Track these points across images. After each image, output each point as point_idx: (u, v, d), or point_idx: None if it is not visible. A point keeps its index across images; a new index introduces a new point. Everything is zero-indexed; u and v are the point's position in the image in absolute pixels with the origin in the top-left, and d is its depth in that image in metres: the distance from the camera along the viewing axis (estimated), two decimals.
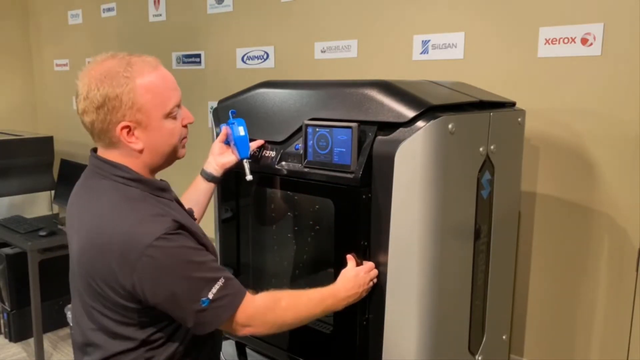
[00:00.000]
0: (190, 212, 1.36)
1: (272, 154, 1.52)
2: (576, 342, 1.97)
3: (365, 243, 1.35)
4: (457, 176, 1.37)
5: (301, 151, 1.45)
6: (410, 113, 1.26)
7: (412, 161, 1.27)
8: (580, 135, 1.90)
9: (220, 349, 1.40)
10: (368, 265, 1.35)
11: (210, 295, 1.12)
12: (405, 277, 1.32)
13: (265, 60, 2.87)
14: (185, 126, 1.25)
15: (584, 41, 1.87)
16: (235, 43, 3.01)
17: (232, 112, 1.58)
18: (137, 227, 1.10)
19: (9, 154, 3.61)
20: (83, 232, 1.17)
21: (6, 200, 3.60)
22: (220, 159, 1.54)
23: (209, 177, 1.54)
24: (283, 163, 1.49)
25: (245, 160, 1.51)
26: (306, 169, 1.43)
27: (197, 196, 1.53)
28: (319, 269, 2.02)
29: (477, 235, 1.47)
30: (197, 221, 1.48)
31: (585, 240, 1.92)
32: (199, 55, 3.23)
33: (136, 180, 1.18)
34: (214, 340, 1.34)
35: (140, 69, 1.14)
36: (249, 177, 1.49)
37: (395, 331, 1.35)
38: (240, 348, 1.79)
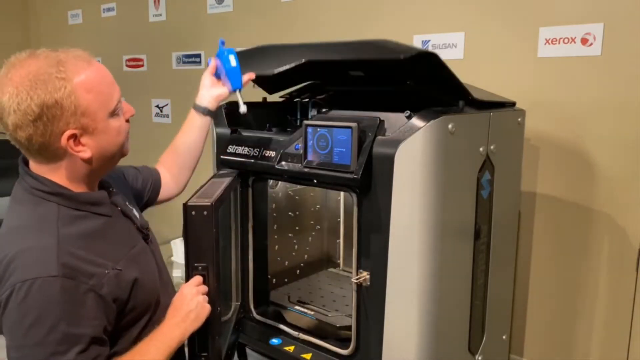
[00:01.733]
0: (142, 226, 1.22)
1: (272, 154, 1.52)
2: (576, 342, 1.97)
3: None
4: (457, 176, 1.37)
5: (301, 151, 1.45)
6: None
7: (412, 161, 1.26)
8: (580, 135, 1.90)
9: None
10: (194, 280, 1.19)
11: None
12: (405, 277, 1.31)
13: None
14: (127, 120, 1.13)
15: (584, 41, 1.87)
16: (235, 43, 2.98)
17: (221, 42, 1.51)
18: (16, 259, 0.96)
19: (9, 154, 3.59)
20: None
21: (6, 200, 3.58)
22: (213, 91, 1.46)
23: (205, 111, 1.46)
24: (283, 163, 1.49)
25: (238, 92, 1.46)
26: (306, 169, 1.43)
27: (194, 133, 1.47)
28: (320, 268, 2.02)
29: (477, 235, 1.46)
30: (195, 162, 1.46)
31: (585, 240, 1.92)
32: (199, 55, 3.23)
33: (56, 194, 1.03)
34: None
35: (75, 67, 1.00)
36: (242, 109, 1.43)
37: (395, 331, 1.34)
38: (241, 348, 1.79)
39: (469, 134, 1.39)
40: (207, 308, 1.17)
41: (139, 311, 1.10)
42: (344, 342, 1.47)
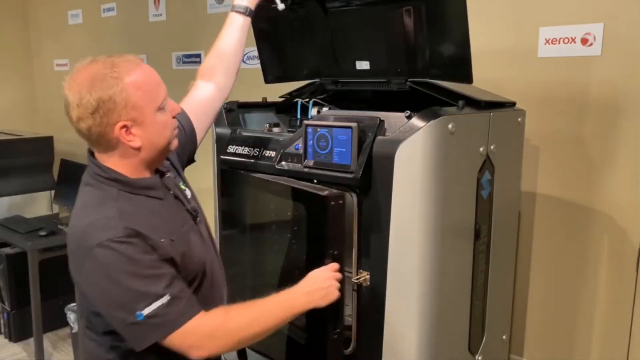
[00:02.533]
0: (192, 208, 1.32)
1: (272, 154, 1.52)
2: (576, 342, 1.97)
3: (336, 252, 1.34)
4: (457, 176, 1.37)
5: (301, 151, 1.45)
6: None
7: (412, 161, 1.27)
8: (580, 136, 1.90)
9: None
10: (332, 265, 1.30)
11: (146, 311, 1.08)
12: (405, 277, 1.32)
13: None
14: (174, 117, 1.25)
15: (584, 41, 1.87)
16: None
17: None
18: (88, 229, 1.12)
19: (9, 154, 3.61)
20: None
21: (6, 200, 3.60)
22: None
23: (246, 11, 1.53)
24: (283, 163, 1.49)
25: None
26: (306, 169, 1.43)
27: (237, 33, 1.54)
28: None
29: (477, 235, 1.47)
30: (239, 64, 1.55)
31: (586, 240, 1.92)
32: (199, 55, 3.23)
33: (114, 180, 1.18)
34: None
35: (126, 68, 1.14)
36: (281, 6, 1.51)
37: (395, 331, 1.35)
38: (241, 349, 1.79)
39: (469, 134, 1.39)
40: (336, 294, 1.27)
41: (187, 280, 1.21)
42: (344, 342, 1.47)
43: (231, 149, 1.64)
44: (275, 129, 1.80)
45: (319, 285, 1.25)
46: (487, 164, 1.47)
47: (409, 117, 1.30)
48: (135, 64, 1.15)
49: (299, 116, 1.73)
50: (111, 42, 3.88)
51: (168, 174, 1.29)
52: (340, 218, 1.29)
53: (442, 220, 1.31)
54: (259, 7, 1.54)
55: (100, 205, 1.15)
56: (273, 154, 1.51)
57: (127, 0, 3.70)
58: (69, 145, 4.25)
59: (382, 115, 1.37)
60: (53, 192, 3.73)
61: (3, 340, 3.43)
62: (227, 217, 1.72)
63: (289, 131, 1.72)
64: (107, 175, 1.18)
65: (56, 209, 3.82)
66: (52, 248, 3.05)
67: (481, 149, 1.44)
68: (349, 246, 1.40)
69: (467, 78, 1.41)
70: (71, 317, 2.86)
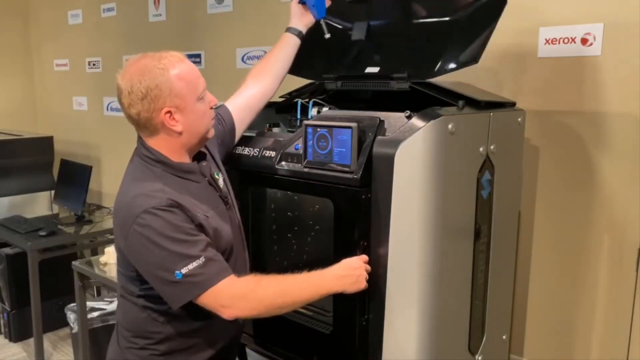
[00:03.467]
0: (223, 194, 1.44)
1: (272, 154, 1.52)
2: (576, 341, 1.97)
3: (365, 243, 1.35)
4: (457, 176, 1.37)
5: (301, 151, 1.45)
6: None
7: (412, 161, 1.27)
8: (580, 135, 1.90)
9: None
10: (363, 256, 1.37)
11: (184, 270, 1.21)
12: (405, 277, 1.32)
13: None
14: (211, 108, 1.39)
15: (584, 41, 1.87)
16: (235, 43, 3.01)
17: None
18: (135, 199, 1.25)
19: (9, 154, 3.61)
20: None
21: (6, 200, 3.60)
22: (303, 19, 1.73)
23: (299, 34, 1.72)
24: (283, 163, 1.49)
25: (322, 20, 1.69)
26: (306, 169, 1.43)
27: (289, 48, 1.72)
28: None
29: (477, 235, 1.47)
30: (285, 73, 1.73)
31: (586, 239, 1.92)
32: (199, 55, 3.23)
33: (159, 161, 1.33)
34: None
35: (171, 62, 1.28)
36: (327, 36, 1.68)
37: (395, 331, 1.35)
38: (240, 348, 1.79)
39: (469, 134, 1.39)
40: (365, 284, 1.34)
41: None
42: (343, 342, 1.47)
43: (238, 149, 1.63)
44: (275, 129, 1.80)
45: (351, 272, 1.32)
46: (487, 163, 1.47)
47: (409, 117, 1.30)
48: (179, 59, 1.31)
49: (299, 116, 1.73)
50: (111, 42, 3.88)
51: (204, 163, 1.42)
52: (369, 210, 1.34)
53: (442, 220, 1.31)
54: (309, 31, 1.75)
55: (147, 180, 1.29)
56: (273, 153, 1.51)
57: (127, 0, 3.70)
58: (69, 145, 4.26)
59: (382, 115, 1.37)
60: (53, 192, 3.73)
61: (3, 340, 3.43)
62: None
63: (288, 131, 1.72)
64: (154, 157, 1.32)
65: (56, 209, 3.82)
66: (52, 248, 3.05)
67: (481, 149, 1.44)
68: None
69: (475, 59, 1.44)
70: (71, 317, 2.86)
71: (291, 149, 1.49)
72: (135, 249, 1.25)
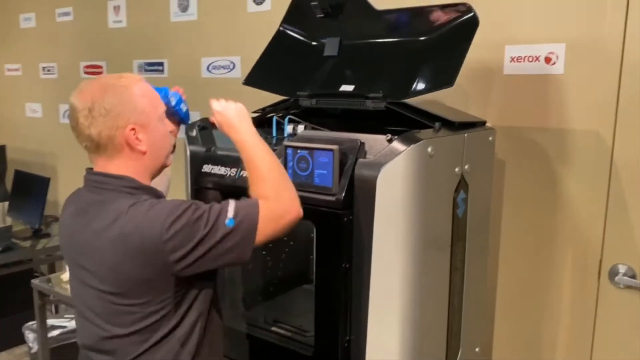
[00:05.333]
0: None
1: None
2: (542, 353, 2.04)
3: (347, 265, 1.36)
4: (435, 197, 1.40)
5: None
6: None
7: (394, 184, 1.28)
8: (544, 151, 1.97)
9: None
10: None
11: (230, 213, 1.19)
12: (387, 298, 1.33)
13: (231, 70, 2.85)
14: (172, 133, 1.39)
15: (547, 60, 1.94)
16: (201, 52, 2.97)
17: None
18: (145, 219, 1.17)
19: None
20: (104, 242, 1.20)
21: None
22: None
23: None
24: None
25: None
26: None
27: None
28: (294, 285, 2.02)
29: (453, 253, 1.50)
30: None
31: (550, 251, 1.99)
32: (161, 64, 3.17)
33: (141, 188, 1.26)
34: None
35: (131, 79, 1.26)
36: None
37: (377, 350, 1.36)
38: None
39: (446, 156, 1.42)
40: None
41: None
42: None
43: (206, 168, 1.61)
44: None
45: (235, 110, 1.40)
46: (462, 183, 1.50)
47: (389, 141, 1.31)
48: (138, 79, 1.29)
49: (274, 134, 1.72)
50: (67, 47, 3.75)
51: None
52: (351, 233, 1.35)
53: (423, 240, 1.34)
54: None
55: (148, 202, 1.21)
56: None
57: (84, 5, 3.58)
58: (22, 153, 4.09)
59: (362, 137, 1.38)
60: (7, 204, 3.57)
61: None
62: None
63: None
64: (134, 185, 1.25)
65: (9, 221, 3.66)
66: (7, 264, 2.92)
67: (457, 169, 1.47)
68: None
69: (450, 82, 1.45)
70: (30, 336, 2.75)
71: None
72: (181, 243, 1.16)
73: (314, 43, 1.88)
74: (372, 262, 1.32)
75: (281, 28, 1.96)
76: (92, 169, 1.31)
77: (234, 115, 1.38)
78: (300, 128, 1.71)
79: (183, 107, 1.56)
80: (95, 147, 1.24)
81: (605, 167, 1.85)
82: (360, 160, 1.33)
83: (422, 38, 1.64)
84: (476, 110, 2.02)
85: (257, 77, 1.89)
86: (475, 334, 1.76)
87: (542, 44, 1.94)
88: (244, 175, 1.53)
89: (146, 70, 3.24)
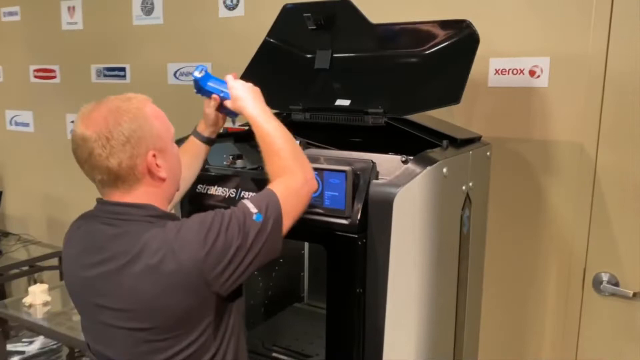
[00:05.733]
0: None
1: (253, 195, 1.43)
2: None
3: (361, 290, 1.31)
4: (447, 216, 1.38)
5: None
6: None
7: (410, 206, 1.25)
8: (529, 162, 2.00)
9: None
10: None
11: (254, 209, 1.13)
12: (403, 321, 1.29)
13: None
14: None
15: (532, 73, 1.97)
16: (167, 58, 2.84)
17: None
18: (184, 235, 1.09)
19: None
20: (132, 277, 1.09)
21: None
22: (215, 127, 1.52)
23: (207, 140, 1.52)
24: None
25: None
26: None
27: (199, 158, 1.50)
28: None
29: (459, 271, 1.49)
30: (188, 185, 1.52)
31: (535, 261, 2.02)
32: (123, 69, 3.01)
33: (163, 216, 1.16)
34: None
35: (141, 101, 1.16)
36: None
37: None
38: None
39: (456, 175, 1.40)
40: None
41: None
42: None
43: (200, 188, 1.52)
44: (239, 162, 1.71)
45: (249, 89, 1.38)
46: (467, 200, 1.49)
47: (405, 162, 1.28)
48: (146, 99, 1.18)
49: None
50: (14, 49, 3.50)
51: None
52: (365, 257, 1.30)
53: (437, 261, 1.31)
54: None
55: (174, 225, 1.12)
56: (254, 194, 1.42)
57: (33, 4, 3.36)
58: None
59: (373, 157, 1.33)
60: None
61: None
62: None
63: (252, 169, 1.61)
64: (157, 213, 1.15)
65: None
66: None
67: (463, 187, 1.46)
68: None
69: (456, 99, 1.42)
70: None
71: None
72: (226, 261, 1.08)
73: (304, 55, 1.83)
74: (388, 286, 1.28)
75: (268, 39, 1.88)
76: (101, 199, 1.19)
77: (248, 91, 1.35)
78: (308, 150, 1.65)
79: None
80: (114, 179, 1.13)
81: (589, 177, 1.89)
82: (375, 181, 1.29)
83: (420, 53, 1.61)
84: (461, 121, 2.03)
85: None
86: (474, 347, 1.76)
87: (527, 57, 1.97)
88: (244, 195, 1.46)
89: (106, 76, 3.07)
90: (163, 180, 1.17)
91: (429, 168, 1.24)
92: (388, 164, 1.32)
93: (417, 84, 1.58)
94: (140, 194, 1.15)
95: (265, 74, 1.85)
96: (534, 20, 1.93)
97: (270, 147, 1.26)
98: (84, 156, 1.11)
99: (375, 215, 1.28)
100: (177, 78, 2.82)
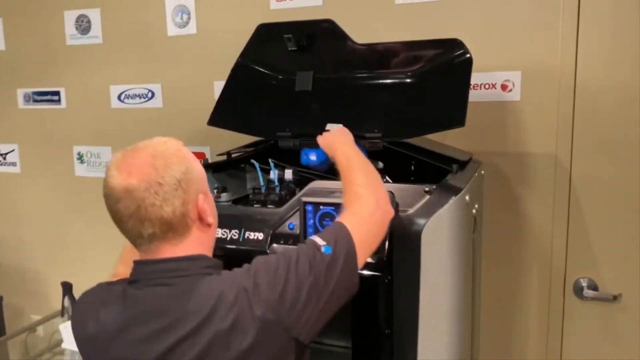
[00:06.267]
0: None
1: (259, 236, 1.32)
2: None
3: (389, 331, 1.24)
4: (465, 242, 1.34)
5: (297, 231, 1.28)
6: None
7: (438, 238, 1.20)
8: (505, 174, 2.02)
9: None
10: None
11: (321, 242, 1.03)
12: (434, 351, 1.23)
13: (150, 99, 2.55)
14: None
15: (503, 87, 1.99)
16: (109, 79, 2.62)
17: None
18: (256, 283, 0.97)
19: None
20: (202, 341, 0.94)
21: None
22: None
23: None
24: (275, 246, 1.30)
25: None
26: None
27: None
28: None
29: (473, 297, 1.45)
30: None
31: (516, 271, 2.04)
32: (57, 93, 2.74)
33: (218, 266, 1.05)
34: None
35: (177, 143, 1.06)
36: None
37: None
38: None
39: (470, 199, 1.37)
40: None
41: None
42: None
43: None
44: (224, 195, 1.58)
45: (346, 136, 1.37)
46: (475, 223, 1.46)
47: (428, 192, 1.22)
48: (178, 141, 1.07)
49: (261, 180, 1.54)
50: None
51: None
52: (391, 296, 1.24)
53: (463, 292, 1.27)
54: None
55: (238, 273, 1.01)
56: (260, 236, 1.31)
57: None
58: None
59: (390, 187, 1.27)
60: None
61: None
62: None
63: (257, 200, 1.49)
64: (211, 263, 1.04)
65: None
66: None
67: (474, 211, 1.43)
68: None
69: (461, 122, 1.39)
70: None
71: (283, 229, 1.31)
72: (302, 303, 0.97)
73: (282, 77, 1.73)
74: (419, 325, 1.21)
75: (241, 60, 1.77)
76: (145, 260, 1.03)
77: (335, 137, 1.34)
78: (288, 173, 1.56)
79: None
80: (166, 230, 0.99)
81: (564, 187, 1.94)
82: (397, 214, 1.22)
83: (411, 74, 1.57)
84: (436, 137, 2.01)
85: (223, 116, 1.69)
86: None
87: (498, 72, 1.99)
88: (249, 237, 1.34)
89: (36, 101, 2.78)
90: (209, 225, 1.06)
91: (455, 198, 1.20)
92: (407, 193, 1.25)
93: (411, 106, 1.54)
94: (191, 244, 1.02)
95: (242, 98, 1.74)
96: (503, 34, 1.95)
97: (347, 179, 1.20)
98: (130, 210, 0.96)
99: (401, 250, 1.21)
100: (122, 101, 2.60)
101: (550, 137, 1.94)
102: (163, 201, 0.96)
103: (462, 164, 1.48)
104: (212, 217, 1.06)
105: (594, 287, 1.95)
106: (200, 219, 1.03)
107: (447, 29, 1.92)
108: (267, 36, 1.71)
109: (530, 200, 2.00)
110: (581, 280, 1.97)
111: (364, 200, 1.13)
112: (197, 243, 1.03)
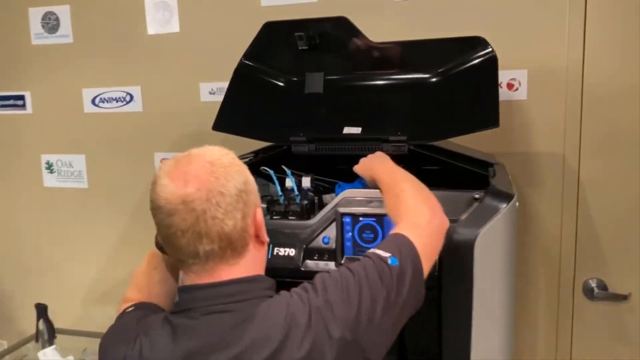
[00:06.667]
0: None
1: (292, 252, 1.20)
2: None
3: (439, 349, 1.15)
4: (515, 252, 1.26)
5: (333, 245, 1.17)
6: None
7: (492, 246, 1.12)
8: (512, 174, 1.96)
9: None
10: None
11: (385, 254, 0.95)
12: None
13: (128, 102, 2.37)
14: None
15: (510, 86, 1.94)
16: (81, 82, 2.42)
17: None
18: (328, 304, 0.88)
19: None
20: None
21: None
22: None
23: None
24: (309, 262, 1.18)
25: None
26: None
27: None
28: None
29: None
30: None
31: (524, 272, 2.00)
32: (21, 97, 2.51)
33: (275, 287, 0.95)
34: None
35: (230, 152, 0.96)
36: None
37: None
38: None
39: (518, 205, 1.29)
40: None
41: None
42: None
43: None
44: None
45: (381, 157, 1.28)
46: None
47: (478, 199, 1.14)
48: (228, 150, 0.97)
49: (279, 191, 1.42)
50: None
51: None
52: (440, 313, 1.16)
53: (514, 304, 1.19)
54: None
55: (305, 295, 0.91)
56: (293, 252, 1.19)
57: None
58: None
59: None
60: None
61: None
62: None
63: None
64: (270, 284, 0.94)
65: None
66: None
67: None
68: None
69: (496, 122, 1.31)
70: None
71: (317, 243, 1.19)
72: (378, 317, 0.88)
73: (290, 78, 1.61)
74: (472, 343, 1.13)
75: (245, 61, 1.64)
76: (197, 285, 0.91)
77: (376, 160, 1.25)
78: (306, 180, 1.44)
79: None
80: (225, 247, 0.88)
81: (573, 187, 1.91)
82: None
83: (432, 74, 1.49)
84: None
85: (229, 121, 1.56)
86: None
87: (504, 71, 1.93)
88: (279, 253, 1.22)
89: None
90: (264, 243, 0.97)
91: (508, 204, 1.12)
92: (451, 200, 1.17)
93: (435, 107, 1.46)
94: (247, 265, 0.92)
95: (248, 101, 1.62)
96: (510, 33, 1.90)
97: (393, 192, 1.11)
98: (187, 222, 0.84)
99: (450, 263, 1.12)
100: (97, 105, 2.41)
101: (557, 137, 1.91)
102: (225, 214, 0.86)
103: (490, 165, 1.41)
104: (265, 235, 0.96)
105: (603, 287, 1.93)
106: (257, 235, 0.94)
107: (451, 27, 1.85)
108: (273, 35, 1.59)
109: (538, 201, 1.96)
110: (590, 281, 1.94)
111: (417, 210, 1.05)
112: (252, 263, 0.93)
